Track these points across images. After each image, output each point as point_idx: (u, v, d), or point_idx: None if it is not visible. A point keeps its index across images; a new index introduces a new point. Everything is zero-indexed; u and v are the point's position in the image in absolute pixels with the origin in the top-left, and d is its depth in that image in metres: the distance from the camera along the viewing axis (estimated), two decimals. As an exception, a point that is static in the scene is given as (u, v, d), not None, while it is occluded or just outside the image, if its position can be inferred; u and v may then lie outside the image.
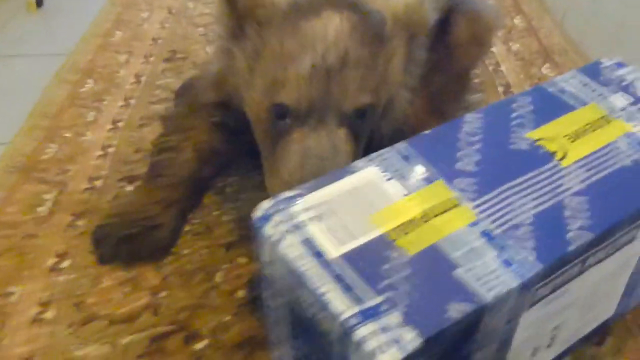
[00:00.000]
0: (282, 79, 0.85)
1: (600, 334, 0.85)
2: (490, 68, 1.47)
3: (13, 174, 1.15)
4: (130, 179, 1.14)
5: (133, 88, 1.41)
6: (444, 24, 1.15)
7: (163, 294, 0.93)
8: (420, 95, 1.13)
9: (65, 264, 0.98)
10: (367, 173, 0.71)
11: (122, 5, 1.81)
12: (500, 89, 1.40)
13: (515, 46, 1.57)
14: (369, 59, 0.87)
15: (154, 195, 1.01)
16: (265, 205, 0.67)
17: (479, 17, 1.19)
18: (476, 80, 1.42)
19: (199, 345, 0.86)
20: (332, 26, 0.85)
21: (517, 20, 1.69)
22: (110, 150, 1.22)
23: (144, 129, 1.25)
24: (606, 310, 0.81)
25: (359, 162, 0.73)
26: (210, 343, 0.87)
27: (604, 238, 0.66)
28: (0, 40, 1.64)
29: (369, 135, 0.94)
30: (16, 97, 1.40)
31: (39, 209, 1.08)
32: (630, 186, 0.71)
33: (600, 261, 0.69)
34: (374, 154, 0.74)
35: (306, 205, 0.67)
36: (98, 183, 1.14)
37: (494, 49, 1.54)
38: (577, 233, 0.64)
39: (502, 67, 1.47)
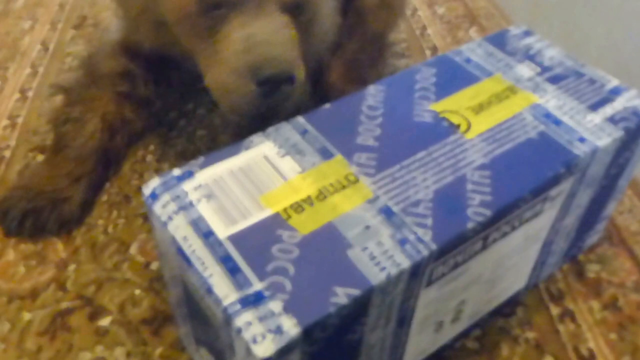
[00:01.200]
0: None
1: (511, 305, 0.85)
2: (417, 32, 1.44)
3: None
4: (41, 149, 1.09)
5: (40, 56, 1.35)
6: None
7: (71, 267, 0.90)
8: (337, 62, 1.12)
9: (-33, 237, 0.94)
10: (262, 149, 0.68)
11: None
12: (428, 53, 1.37)
13: (440, 10, 1.54)
14: None
15: (61, 168, 0.97)
16: (153, 183, 0.64)
17: None
18: (402, 45, 1.39)
19: (104, 321, 0.83)
20: None
21: (442, -16, 1.67)
22: (19, 120, 1.17)
23: (55, 98, 1.19)
24: (516, 282, 0.80)
25: (254, 137, 0.70)
26: (116, 319, 0.84)
27: (506, 213, 0.64)
28: None
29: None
30: None
31: (-58, 182, 1.03)
32: (536, 159, 0.69)
33: (505, 236, 0.67)
34: (270, 129, 0.71)
35: (196, 183, 0.64)
36: (6, 153, 1.09)
37: (419, 13, 1.52)
38: (476, 209, 0.62)
39: (429, 31, 1.45)
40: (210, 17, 0.83)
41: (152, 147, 1.10)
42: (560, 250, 0.83)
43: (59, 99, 1.13)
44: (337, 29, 1.05)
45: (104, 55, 1.07)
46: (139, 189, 1.02)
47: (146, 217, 0.97)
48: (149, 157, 1.09)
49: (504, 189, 0.65)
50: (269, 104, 0.81)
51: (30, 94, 1.23)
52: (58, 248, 0.93)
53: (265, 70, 0.78)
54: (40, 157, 1.08)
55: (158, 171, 1.06)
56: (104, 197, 1.01)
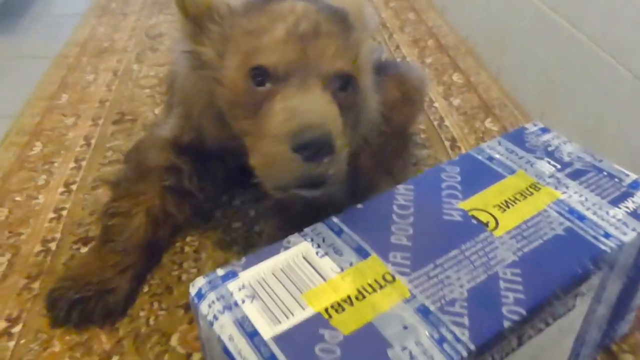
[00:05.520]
0: (258, 46, 0.82)
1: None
2: (435, 123, 1.45)
3: (-36, 238, 1.11)
4: (85, 241, 1.09)
5: (83, 150, 1.37)
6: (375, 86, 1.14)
7: (115, 358, 0.88)
8: (365, 154, 1.12)
9: (17, 328, 0.93)
10: (301, 249, 0.68)
11: (66, 68, 1.75)
12: (447, 144, 1.38)
13: (456, 101, 1.55)
14: (340, 34, 0.86)
15: (107, 260, 0.97)
16: (199, 283, 0.64)
17: (406, 79, 1.19)
18: (422, 136, 1.40)
19: (146, 412, 0.81)
20: (299, 6, 0.85)
21: (456, 77, 1.68)
22: (64, 212, 1.17)
23: (97, 191, 1.21)
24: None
25: (292, 238, 0.70)
26: (157, 409, 0.82)
27: (540, 311, 0.63)
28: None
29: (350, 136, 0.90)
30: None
31: (-7, 272, 1.03)
32: (564, 255, 0.68)
33: (539, 332, 0.66)
34: (307, 229, 0.71)
35: (240, 283, 0.63)
36: (52, 245, 1.09)
37: (436, 104, 1.53)
38: (511, 308, 0.61)
39: (447, 122, 1.46)
40: (257, 94, 0.83)
41: (189, 239, 1.10)
42: (594, 341, 0.81)
43: (102, 192, 1.14)
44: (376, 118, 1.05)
45: (153, 150, 1.08)
46: (179, 280, 1.02)
47: (186, 308, 0.96)
48: (187, 249, 1.08)
49: (536, 287, 0.64)
50: (310, 175, 0.76)
51: (74, 187, 1.24)
52: (102, 339, 0.91)
53: (302, 135, 0.74)
54: (84, 249, 1.07)
55: (197, 261, 1.05)
56: (146, 288, 1.00)
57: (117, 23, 2.06)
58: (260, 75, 0.82)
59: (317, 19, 0.84)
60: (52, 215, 1.16)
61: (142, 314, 0.95)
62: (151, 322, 0.94)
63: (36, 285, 1.00)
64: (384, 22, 2.03)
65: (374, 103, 1.00)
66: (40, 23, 2.09)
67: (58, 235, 1.11)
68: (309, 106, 0.77)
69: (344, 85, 0.84)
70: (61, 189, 1.24)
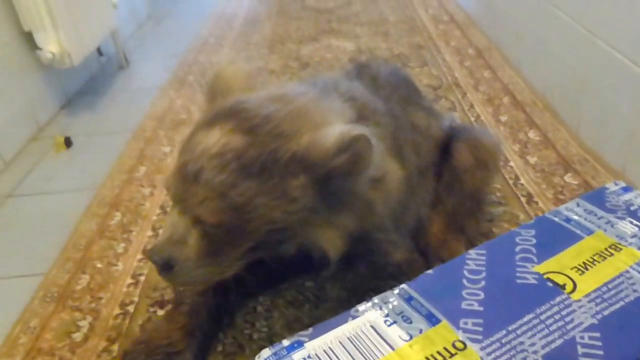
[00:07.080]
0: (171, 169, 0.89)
1: None
2: (511, 182, 1.41)
3: (49, 303, 1.13)
4: (160, 304, 1.10)
5: (159, 218, 1.39)
6: (447, 150, 1.15)
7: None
8: (438, 215, 1.10)
9: (97, 390, 0.93)
10: (369, 317, 0.66)
11: (144, 141, 1.80)
12: (523, 199, 1.34)
13: (532, 159, 1.50)
14: (228, 184, 0.80)
15: (177, 322, 0.98)
16: (265, 354, 0.62)
17: (479, 144, 1.16)
18: (498, 194, 1.36)
19: None
20: (206, 142, 0.82)
21: (532, 134, 1.63)
22: (141, 278, 1.19)
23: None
24: None
25: (360, 306, 0.67)
26: None
27: (621, 378, 0.59)
28: (32, 179, 1.65)
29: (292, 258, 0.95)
30: (49, 231, 1.39)
31: (74, 335, 1.05)
32: (647, 319, 0.63)
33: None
34: (376, 297, 0.69)
35: (306, 353, 0.62)
36: (130, 308, 1.10)
37: (511, 163, 1.48)
38: (590, 376, 0.57)
39: (522, 180, 1.41)
40: None
41: (261, 298, 1.10)
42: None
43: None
44: (399, 198, 0.97)
45: None
46: (250, 338, 1.01)
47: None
48: (259, 308, 1.08)
49: (618, 352, 0.60)
50: (160, 272, 0.86)
51: (151, 254, 1.25)
52: (175, 399, 0.91)
53: (149, 250, 0.86)
54: (160, 311, 1.08)
55: (268, 320, 1.05)
56: (219, 347, 1.00)
57: (194, 95, 2.10)
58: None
59: (202, 165, 0.81)
60: (130, 280, 1.18)
61: (215, 372, 0.94)
62: (225, 380, 0.92)
63: (115, 347, 1.02)
64: (457, 81, 2.01)
65: (317, 237, 0.90)
66: (121, 98, 2.16)
67: (136, 299, 1.13)
68: (166, 233, 0.86)
69: (219, 228, 0.83)
70: (139, 256, 1.26)
